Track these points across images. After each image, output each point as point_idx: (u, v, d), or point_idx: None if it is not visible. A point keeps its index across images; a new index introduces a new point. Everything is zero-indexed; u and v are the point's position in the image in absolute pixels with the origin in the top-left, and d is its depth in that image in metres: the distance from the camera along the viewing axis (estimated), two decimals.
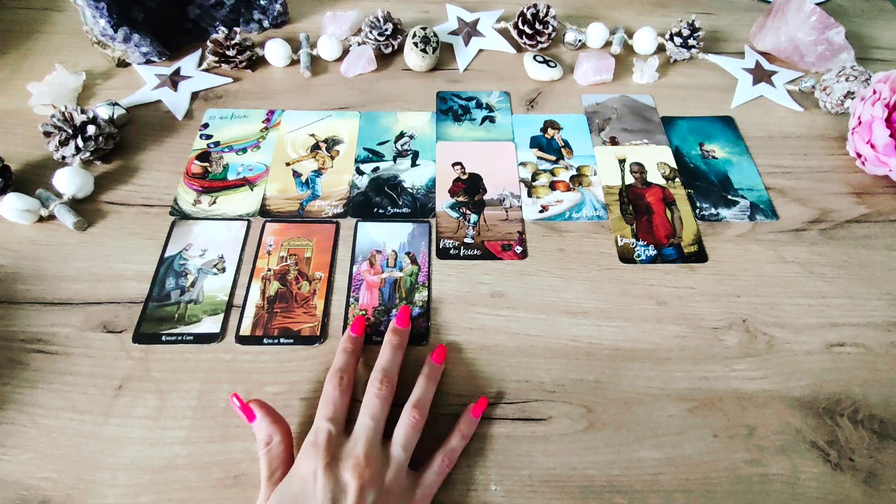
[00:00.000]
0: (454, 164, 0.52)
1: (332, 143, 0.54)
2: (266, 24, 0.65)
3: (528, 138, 0.55)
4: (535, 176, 0.52)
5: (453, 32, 0.65)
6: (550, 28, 0.62)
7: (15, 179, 0.49)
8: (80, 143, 0.49)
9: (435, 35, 0.61)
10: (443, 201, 0.49)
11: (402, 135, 0.55)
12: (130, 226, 0.47)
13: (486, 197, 0.50)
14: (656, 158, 0.53)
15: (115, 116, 0.53)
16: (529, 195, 0.50)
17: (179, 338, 0.41)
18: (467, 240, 0.47)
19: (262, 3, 0.64)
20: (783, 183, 0.52)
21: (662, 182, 0.51)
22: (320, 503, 0.30)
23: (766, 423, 0.38)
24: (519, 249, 0.46)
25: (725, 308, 0.43)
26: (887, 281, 0.45)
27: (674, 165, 0.53)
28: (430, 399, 0.37)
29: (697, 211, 0.49)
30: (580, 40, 0.64)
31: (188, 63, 0.60)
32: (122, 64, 0.60)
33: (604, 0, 0.71)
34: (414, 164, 0.52)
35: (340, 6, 0.68)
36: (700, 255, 0.46)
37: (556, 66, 0.60)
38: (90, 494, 0.34)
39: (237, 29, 0.60)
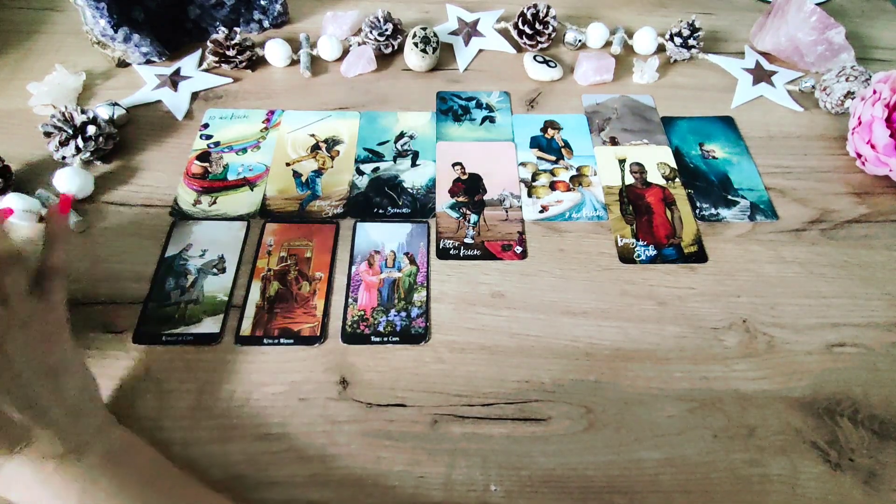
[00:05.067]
0: (454, 165, 0.52)
1: (332, 144, 0.54)
2: (266, 24, 0.65)
3: (528, 138, 0.55)
4: (535, 176, 0.52)
5: (453, 32, 0.65)
6: (550, 28, 0.62)
7: (15, 179, 0.49)
8: (80, 143, 0.49)
9: (435, 35, 0.61)
10: (443, 201, 0.49)
11: (402, 135, 0.55)
12: (130, 226, 0.47)
13: (486, 197, 0.50)
14: (656, 158, 0.53)
15: (115, 116, 0.53)
16: (529, 195, 0.50)
17: (179, 338, 0.41)
18: (467, 240, 0.47)
19: (262, 3, 0.64)
20: (783, 183, 0.52)
21: (662, 182, 0.51)
22: None
23: (766, 423, 0.38)
24: (519, 249, 0.46)
25: (725, 308, 0.43)
26: (887, 281, 0.45)
27: (674, 165, 0.53)
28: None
29: (697, 211, 0.49)
30: (580, 40, 0.64)
31: (188, 63, 0.60)
32: (122, 64, 0.60)
33: (604, 0, 0.71)
34: (414, 165, 0.52)
35: (340, 6, 0.68)
36: (700, 256, 0.46)
37: (556, 66, 0.60)
38: None
39: (237, 29, 0.60)
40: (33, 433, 0.30)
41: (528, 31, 0.62)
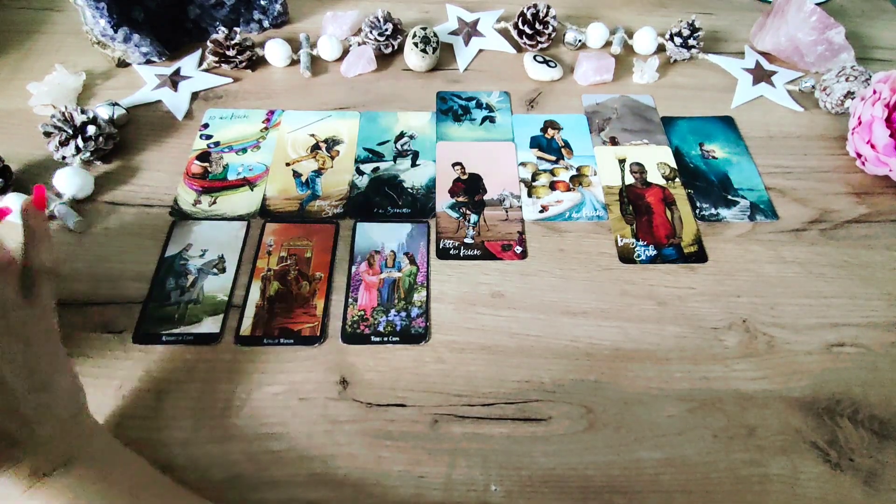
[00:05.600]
0: (454, 165, 0.52)
1: (332, 143, 0.54)
2: (266, 24, 0.65)
3: (528, 138, 0.55)
4: (535, 176, 0.52)
5: (453, 32, 0.65)
6: (550, 28, 0.62)
7: (15, 179, 0.49)
8: (80, 143, 0.49)
9: (435, 35, 0.61)
10: (443, 201, 0.49)
11: (402, 135, 0.55)
12: (130, 226, 0.47)
13: (486, 197, 0.50)
14: (656, 158, 0.53)
15: (115, 116, 0.53)
16: (529, 195, 0.50)
17: (179, 338, 0.41)
18: (467, 240, 0.47)
19: (262, 3, 0.64)
20: (783, 183, 0.52)
21: (662, 182, 0.51)
22: None
23: (765, 423, 0.38)
24: (519, 249, 0.46)
25: (725, 308, 0.43)
26: (887, 281, 0.45)
27: (674, 165, 0.53)
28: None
29: (697, 211, 0.49)
30: (580, 40, 0.64)
31: (188, 63, 0.60)
32: (122, 64, 0.60)
33: (604, 0, 0.71)
34: (414, 164, 0.52)
35: (340, 6, 0.68)
36: (700, 256, 0.46)
37: (556, 66, 0.60)
38: None
39: (237, 29, 0.60)
40: (24, 451, 0.28)
41: (528, 31, 0.62)
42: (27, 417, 0.29)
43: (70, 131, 0.49)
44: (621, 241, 0.47)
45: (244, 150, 0.53)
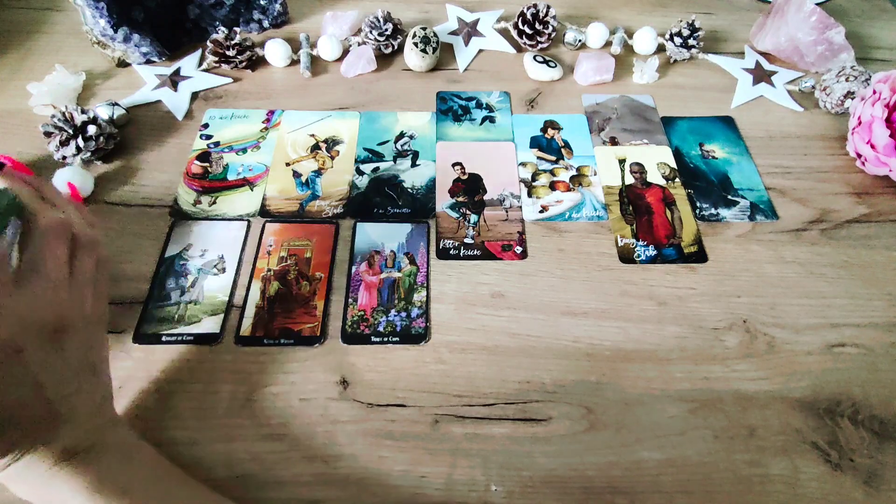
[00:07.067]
0: (454, 165, 0.52)
1: (332, 144, 0.54)
2: (266, 24, 0.65)
3: (528, 138, 0.55)
4: (535, 176, 0.52)
5: (453, 32, 0.65)
6: (550, 28, 0.62)
7: None
8: (80, 143, 0.48)
9: (435, 35, 0.61)
10: (443, 201, 0.49)
11: (402, 135, 0.55)
12: (130, 226, 0.47)
13: (486, 197, 0.50)
14: (656, 158, 0.53)
15: (115, 116, 0.53)
16: (529, 195, 0.50)
17: (180, 338, 0.41)
18: (467, 240, 0.47)
19: (262, 3, 0.64)
20: (783, 183, 0.52)
21: (662, 182, 0.51)
22: None
23: (766, 423, 0.38)
24: (519, 250, 0.46)
25: (725, 308, 0.43)
26: (887, 281, 0.45)
27: (674, 165, 0.53)
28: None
29: (697, 211, 0.49)
30: (580, 40, 0.64)
31: (188, 63, 0.60)
32: (122, 64, 0.60)
33: (604, 0, 0.71)
34: (414, 165, 0.52)
35: (340, 6, 0.68)
36: (700, 256, 0.46)
37: (556, 66, 0.60)
38: None
39: (237, 29, 0.59)
40: (59, 428, 0.30)
41: (528, 31, 0.62)
42: (73, 394, 0.31)
43: (70, 131, 0.49)
44: (621, 241, 0.47)
45: (244, 150, 0.53)
